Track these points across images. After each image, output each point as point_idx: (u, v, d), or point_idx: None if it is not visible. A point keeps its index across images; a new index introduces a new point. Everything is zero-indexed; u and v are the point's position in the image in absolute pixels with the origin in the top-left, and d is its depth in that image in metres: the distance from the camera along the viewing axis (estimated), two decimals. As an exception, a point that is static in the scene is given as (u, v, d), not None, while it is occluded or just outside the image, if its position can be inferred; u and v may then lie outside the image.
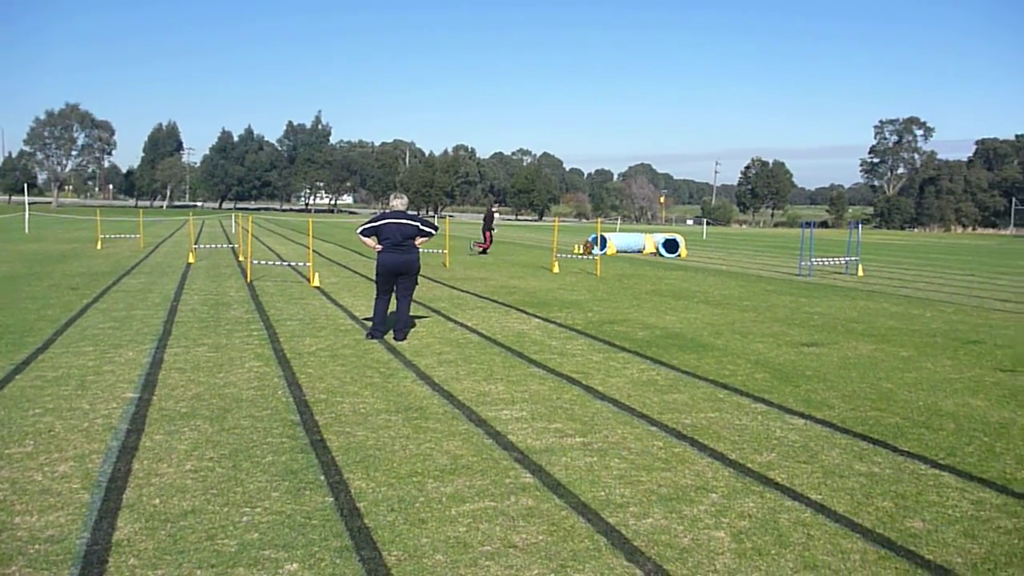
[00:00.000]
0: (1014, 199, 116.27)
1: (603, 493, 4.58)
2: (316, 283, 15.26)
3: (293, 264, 19.23)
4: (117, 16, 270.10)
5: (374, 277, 9.77)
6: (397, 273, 9.46)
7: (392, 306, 9.77)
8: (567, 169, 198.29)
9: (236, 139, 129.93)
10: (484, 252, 26.87)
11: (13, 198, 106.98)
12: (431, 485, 4.63)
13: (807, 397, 7.03)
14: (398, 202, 9.75)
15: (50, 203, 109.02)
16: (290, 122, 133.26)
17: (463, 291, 14.95)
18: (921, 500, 4.60)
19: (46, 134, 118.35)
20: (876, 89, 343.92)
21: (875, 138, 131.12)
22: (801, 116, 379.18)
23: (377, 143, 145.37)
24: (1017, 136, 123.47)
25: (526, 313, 12.04)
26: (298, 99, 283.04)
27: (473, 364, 8.12)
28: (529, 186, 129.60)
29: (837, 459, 5.30)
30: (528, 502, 4.41)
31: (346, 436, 5.54)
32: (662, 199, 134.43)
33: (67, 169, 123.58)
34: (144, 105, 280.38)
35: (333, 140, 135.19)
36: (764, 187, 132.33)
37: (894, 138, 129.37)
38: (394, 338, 9.36)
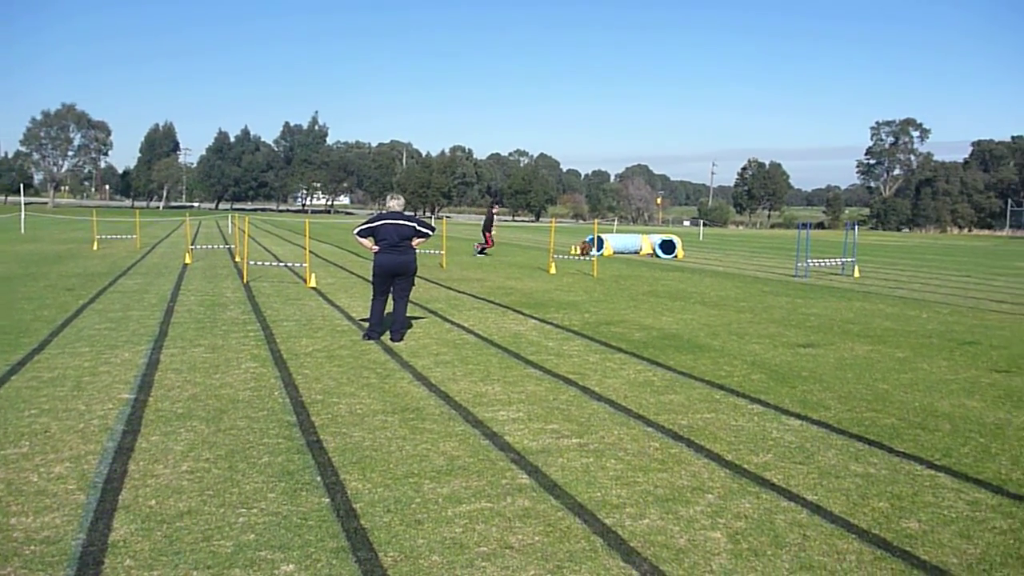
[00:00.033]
0: (1010, 200, 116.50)
1: (599, 494, 4.58)
2: (313, 284, 15.25)
3: (290, 265, 19.22)
4: (113, 16, 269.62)
5: (371, 278, 9.77)
6: (394, 274, 9.46)
7: (389, 307, 9.77)
8: (564, 170, 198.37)
9: (233, 140, 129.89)
10: (482, 252, 26.89)
11: (9, 198, 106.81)
12: (427, 486, 4.63)
13: (803, 398, 7.04)
14: (395, 203, 9.75)
15: (46, 203, 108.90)
16: (287, 123, 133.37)
17: (460, 292, 14.95)
18: (917, 501, 4.61)
19: (42, 134, 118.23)
20: (872, 90, 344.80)
21: (871, 139, 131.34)
22: (798, 117, 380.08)
23: (374, 144, 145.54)
24: (1013, 138, 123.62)
25: (523, 314, 12.04)
26: (295, 100, 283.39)
27: (470, 365, 8.12)
28: (526, 187, 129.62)
29: (833, 460, 5.31)
30: (524, 503, 4.41)
31: (342, 437, 5.54)
32: (659, 200, 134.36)
33: (63, 169, 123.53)
34: (140, 105, 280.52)
35: (330, 141, 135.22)
36: (761, 188, 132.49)
37: (890, 139, 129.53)
38: (391, 339, 9.36)
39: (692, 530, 4.12)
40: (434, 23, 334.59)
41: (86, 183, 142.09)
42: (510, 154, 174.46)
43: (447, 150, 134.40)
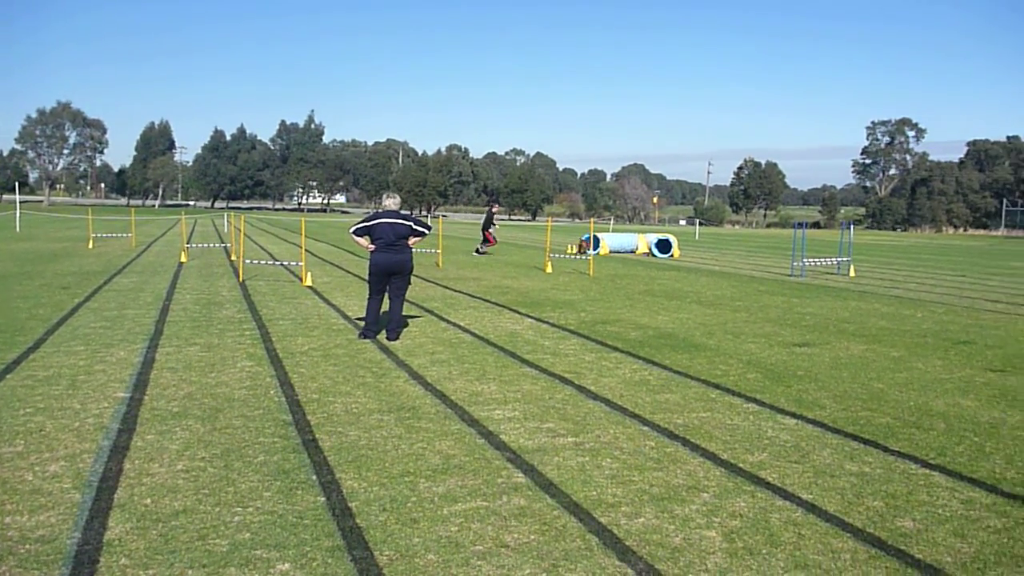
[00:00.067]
0: (1005, 200, 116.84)
1: (595, 493, 4.59)
2: (309, 282, 15.24)
3: (286, 263, 19.20)
4: (109, 15, 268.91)
5: (367, 277, 9.77)
6: (390, 273, 9.46)
7: (385, 306, 9.76)
8: (560, 169, 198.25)
9: (229, 138, 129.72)
10: (480, 252, 26.89)
11: (4, 196, 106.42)
12: (423, 485, 4.64)
13: (798, 397, 7.05)
14: (391, 201, 9.74)
15: (41, 202, 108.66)
16: (283, 121, 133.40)
17: (456, 291, 14.95)
18: (911, 500, 4.62)
19: (38, 132, 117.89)
20: (868, 90, 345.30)
21: (867, 139, 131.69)
22: (794, 117, 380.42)
23: (370, 142, 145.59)
24: (1008, 138, 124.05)
25: (519, 313, 12.05)
26: (291, 98, 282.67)
27: (466, 364, 8.12)
28: (522, 186, 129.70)
29: (828, 459, 5.32)
30: (520, 502, 4.42)
31: (338, 436, 5.54)
32: (655, 199, 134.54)
33: (59, 168, 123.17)
34: (136, 104, 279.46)
35: (326, 139, 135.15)
36: (757, 188, 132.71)
37: (886, 139, 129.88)
38: (387, 338, 9.36)
39: (687, 529, 4.13)
40: (430, 22, 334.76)
41: (81, 181, 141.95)
42: (506, 153, 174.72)
43: (443, 149, 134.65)
